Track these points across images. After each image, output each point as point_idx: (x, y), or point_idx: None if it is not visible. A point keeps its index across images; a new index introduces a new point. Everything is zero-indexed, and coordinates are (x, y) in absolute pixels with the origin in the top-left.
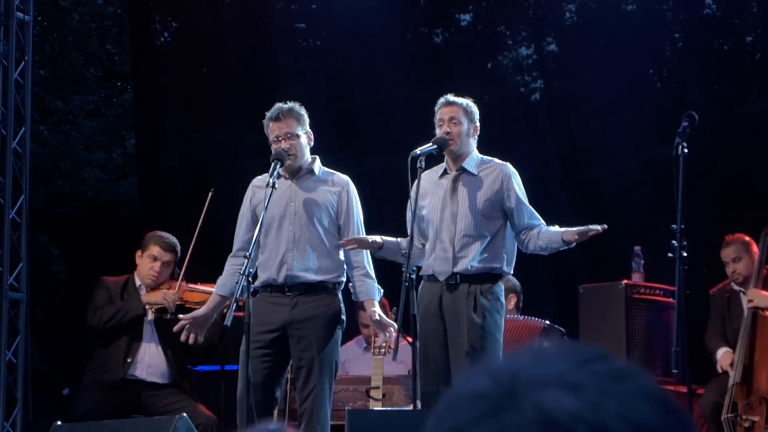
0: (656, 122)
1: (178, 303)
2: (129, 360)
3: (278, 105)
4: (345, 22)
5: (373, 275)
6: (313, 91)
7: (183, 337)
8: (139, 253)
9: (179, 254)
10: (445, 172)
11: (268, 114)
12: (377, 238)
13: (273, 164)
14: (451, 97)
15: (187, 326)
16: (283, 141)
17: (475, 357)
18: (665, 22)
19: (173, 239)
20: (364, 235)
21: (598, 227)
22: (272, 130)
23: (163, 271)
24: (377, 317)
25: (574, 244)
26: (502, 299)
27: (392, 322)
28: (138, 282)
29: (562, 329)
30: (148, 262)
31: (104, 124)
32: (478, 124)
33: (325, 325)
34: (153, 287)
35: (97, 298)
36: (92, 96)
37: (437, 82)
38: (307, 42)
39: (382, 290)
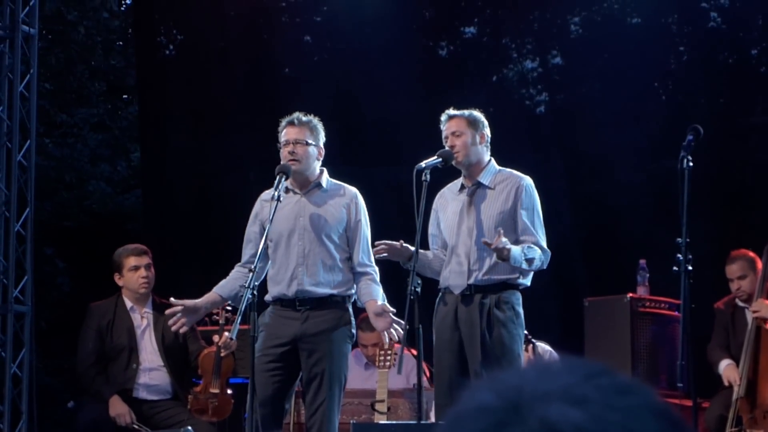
0: (661, 135)
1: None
2: (129, 382)
3: (298, 113)
4: (350, 35)
5: (379, 282)
6: (319, 104)
7: (171, 322)
8: (117, 275)
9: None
10: (462, 187)
11: (285, 119)
12: (409, 247)
13: (278, 177)
14: (452, 111)
15: (179, 313)
16: (291, 145)
17: (489, 369)
18: (670, 35)
19: (138, 244)
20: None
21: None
22: (285, 134)
23: (149, 274)
24: (380, 309)
25: (502, 256)
26: (519, 309)
27: (398, 320)
28: (129, 304)
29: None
30: (133, 274)
31: (109, 137)
32: (485, 131)
33: (335, 339)
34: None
35: (85, 342)
36: (97, 109)
37: (442, 94)
38: (313, 55)
39: (386, 299)
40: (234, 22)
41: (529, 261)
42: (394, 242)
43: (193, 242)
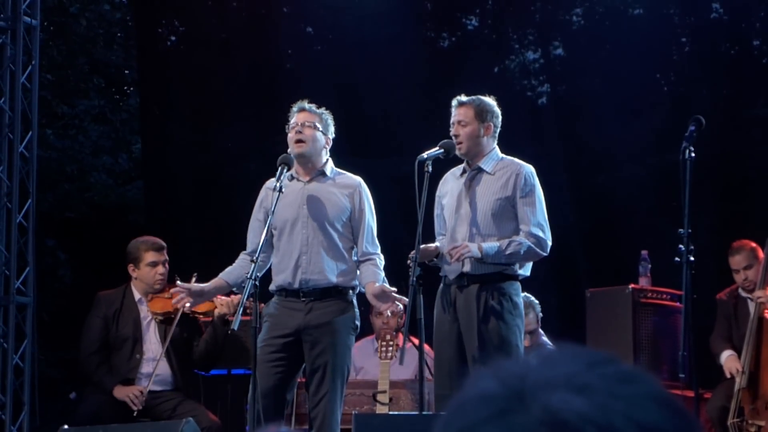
0: (663, 126)
1: (186, 312)
2: (132, 372)
3: (309, 103)
4: (352, 27)
5: (381, 268)
6: (320, 95)
7: (174, 300)
8: (131, 266)
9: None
10: (464, 171)
11: (297, 104)
12: (436, 245)
13: (279, 168)
14: (462, 98)
15: (182, 293)
16: (299, 126)
17: (486, 360)
18: (672, 26)
19: (156, 238)
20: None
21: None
22: (295, 118)
23: (166, 271)
24: (379, 291)
25: (454, 260)
26: (517, 299)
27: (400, 297)
28: (137, 295)
29: None
30: (150, 270)
31: (110, 129)
32: (493, 122)
33: (339, 331)
34: (160, 290)
35: (90, 330)
36: (98, 101)
37: (444, 85)
38: (314, 46)
39: (387, 283)
40: (235, 13)
41: (510, 256)
42: (427, 245)
43: (195, 233)
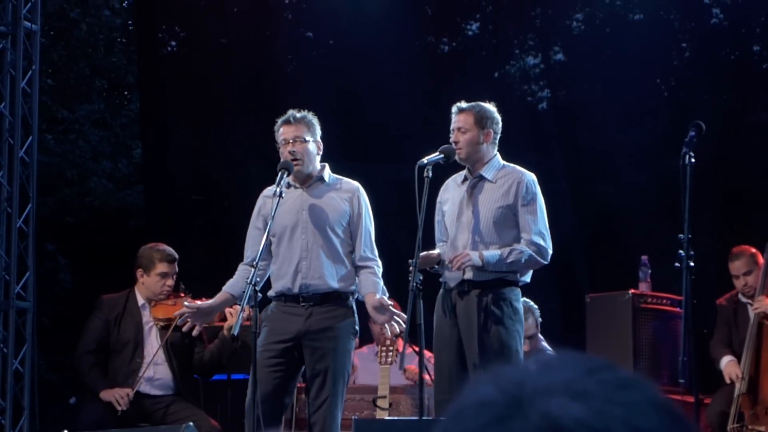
0: (663, 132)
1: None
2: (132, 376)
3: (292, 111)
4: (352, 32)
5: (380, 276)
6: (320, 100)
7: (180, 322)
8: (140, 271)
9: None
10: (465, 179)
11: (280, 118)
12: (436, 252)
13: (280, 174)
14: (462, 104)
15: (187, 314)
16: (290, 144)
17: (486, 366)
18: (673, 32)
19: (170, 249)
20: (426, 252)
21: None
22: (282, 133)
23: (172, 284)
24: (378, 303)
25: (455, 268)
26: (517, 305)
27: (399, 312)
28: (140, 300)
29: None
30: (158, 280)
31: (110, 134)
32: (493, 129)
33: (339, 336)
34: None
35: (90, 330)
36: (99, 105)
37: (444, 90)
38: (314, 51)
39: (387, 293)
40: (235, 19)
41: (511, 264)
42: (429, 252)
43: (195, 237)
